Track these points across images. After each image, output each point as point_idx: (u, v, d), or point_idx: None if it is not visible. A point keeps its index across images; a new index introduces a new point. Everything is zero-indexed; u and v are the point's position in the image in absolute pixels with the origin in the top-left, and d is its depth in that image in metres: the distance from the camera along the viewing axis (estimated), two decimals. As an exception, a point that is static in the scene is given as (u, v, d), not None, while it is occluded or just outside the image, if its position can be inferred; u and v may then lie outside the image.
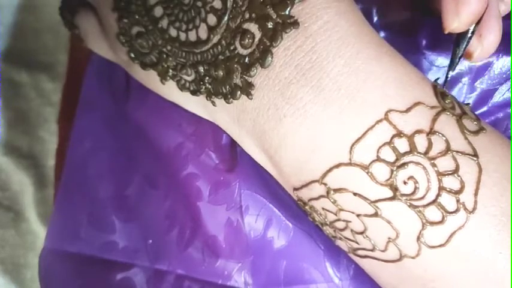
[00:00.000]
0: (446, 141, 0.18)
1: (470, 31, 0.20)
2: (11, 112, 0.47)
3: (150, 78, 0.23)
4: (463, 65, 0.25)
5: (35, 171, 0.49)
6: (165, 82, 0.22)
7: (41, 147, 0.49)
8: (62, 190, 0.30)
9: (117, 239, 0.28)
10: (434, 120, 0.18)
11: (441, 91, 0.20)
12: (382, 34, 0.26)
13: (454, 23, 0.19)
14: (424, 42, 0.25)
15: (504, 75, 0.25)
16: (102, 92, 0.31)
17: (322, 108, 0.19)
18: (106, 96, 0.30)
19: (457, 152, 0.18)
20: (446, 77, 0.19)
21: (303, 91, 0.19)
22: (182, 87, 0.22)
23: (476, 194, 0.18)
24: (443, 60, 0.25)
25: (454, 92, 0.26)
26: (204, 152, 0.26)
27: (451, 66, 0.19)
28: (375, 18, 0.26)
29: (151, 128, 0.28)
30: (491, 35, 0.20)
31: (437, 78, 0.20)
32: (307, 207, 0.22)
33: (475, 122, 0.19)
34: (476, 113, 0.26)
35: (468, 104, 0.21)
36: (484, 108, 0.26)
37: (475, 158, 0.18)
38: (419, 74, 0.20)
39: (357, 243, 0.21)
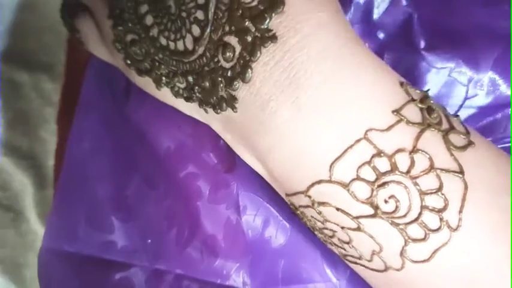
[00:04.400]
0: (430, 159, 0.18)
1: None
2: (11, 112, 0.47)
3: (147, 84, 0.23)
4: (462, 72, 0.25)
5: (35, 172, 0.49)
6: (160, 88, 0.22)
7: (41, 147, 0.49)
8: (60, 190, 0.30)
9: (115, 239, 0.28)
10: (417, 137, 0.18)
11: (428, 105, 0.19)
12: (381, 34, 0.26)
13: None
14: (422, 43, 0.25)
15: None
16: (102, 93, 0.31)
17: (302, 126, 0.18)
18: (106, 97, 0.30)
19: (442, 169, 0.18)
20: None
21: (282, 108, 0.18)
22: (176, 94, 0.22)
23: (460, 211, 0.18)
24: (442, 61, 0.25)
25: (453, 94, 0.26)
26: (204, 152, 0.27)
27: None
28: (375, 17, 0.26)
29: (151, 128, 0.28)
30: None
31: (427, 90, 0.20)
32: (298, 212, 0.22)
33: (463, 136, 0.19)
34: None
35: (457, 116, 0.20)
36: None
37: (461, 175, 0.18)
38: (405, 89, 0.19)
39: (345, 250, 0.21)
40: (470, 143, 0.19)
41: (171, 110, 0.24)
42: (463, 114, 0.25)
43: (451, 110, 0.25)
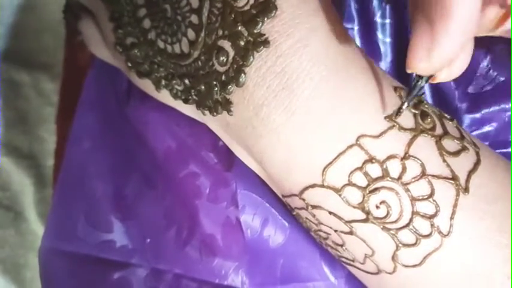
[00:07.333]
0: (422, 165, 0.18)
1: None
2: (11, 112, 0.47)
3: (147, 85, 0.23)
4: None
5: (35, 171, 0.50)
6: (159, 90, 0.23)
7: (41, 147, 0.49)
8: (59, 189, 0.30)
9: (114, 238, 0.28)
10: (410, 144, 0.18)
11: (422, 110, 0.19)
12: (384, 37, 0.26)
13: (421, 63, 0.16)
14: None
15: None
16: (104, 93, 0.31)
17: (294, 131, 0.18)
18: (108, 97, 0.30)
19: (433, 176, 0.18)
20: (400, 108, 0.18)
21: (275, 113, 0.18)
22: (175, 96, 0.22)
23: (452, 217, 0.18)
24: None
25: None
26: (203, 151, 0.27)
27: (409, 96, 0.18)
28: (375, 18, 0.26)
29: (151, 128, 0.28)
30: (461, 59, 0.17)
31: (423, 93, 0.20)
32: (294, 213, 0.22)
33: (457, 142, 0.19)
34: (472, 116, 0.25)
35: (453, 119, 0.20)
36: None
37: (453, 181, 0.18)
38: (399, 94, 0.19)
39: (339, 252, 0.21)
40: (464, 148, 0.19)
41: (171, 109, 0.24)
42: (467, 118, 0.25)
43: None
